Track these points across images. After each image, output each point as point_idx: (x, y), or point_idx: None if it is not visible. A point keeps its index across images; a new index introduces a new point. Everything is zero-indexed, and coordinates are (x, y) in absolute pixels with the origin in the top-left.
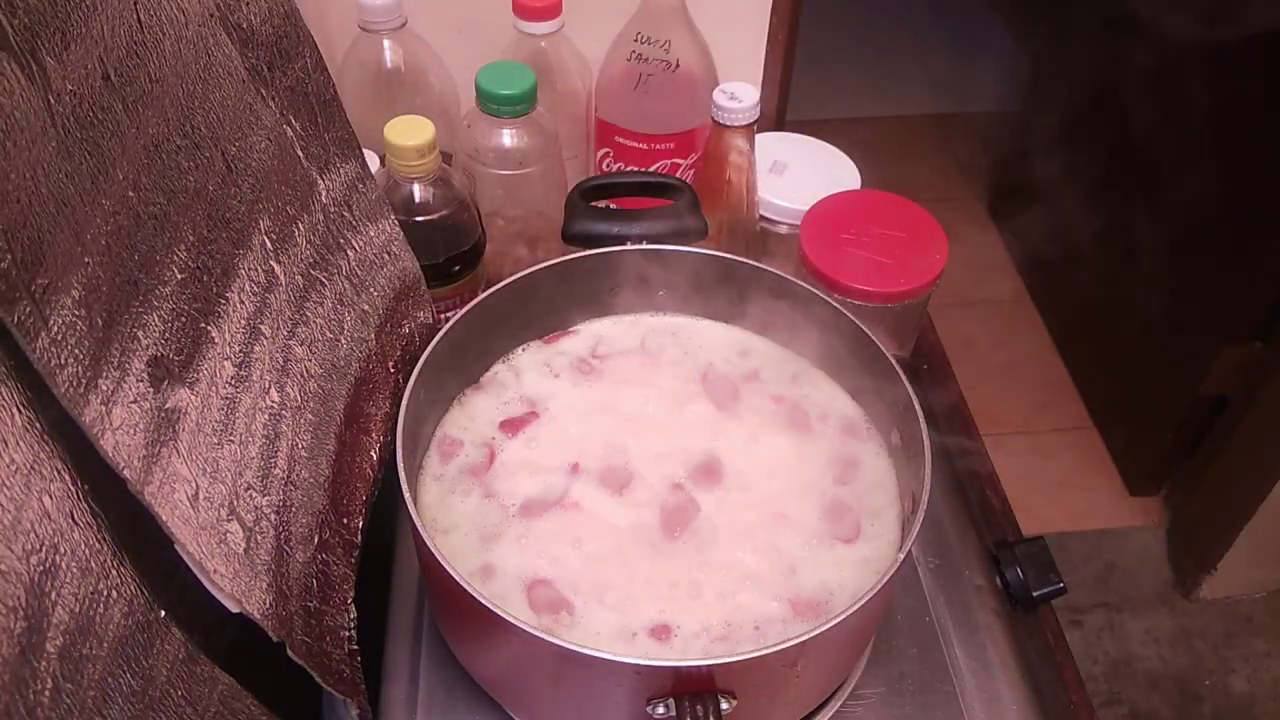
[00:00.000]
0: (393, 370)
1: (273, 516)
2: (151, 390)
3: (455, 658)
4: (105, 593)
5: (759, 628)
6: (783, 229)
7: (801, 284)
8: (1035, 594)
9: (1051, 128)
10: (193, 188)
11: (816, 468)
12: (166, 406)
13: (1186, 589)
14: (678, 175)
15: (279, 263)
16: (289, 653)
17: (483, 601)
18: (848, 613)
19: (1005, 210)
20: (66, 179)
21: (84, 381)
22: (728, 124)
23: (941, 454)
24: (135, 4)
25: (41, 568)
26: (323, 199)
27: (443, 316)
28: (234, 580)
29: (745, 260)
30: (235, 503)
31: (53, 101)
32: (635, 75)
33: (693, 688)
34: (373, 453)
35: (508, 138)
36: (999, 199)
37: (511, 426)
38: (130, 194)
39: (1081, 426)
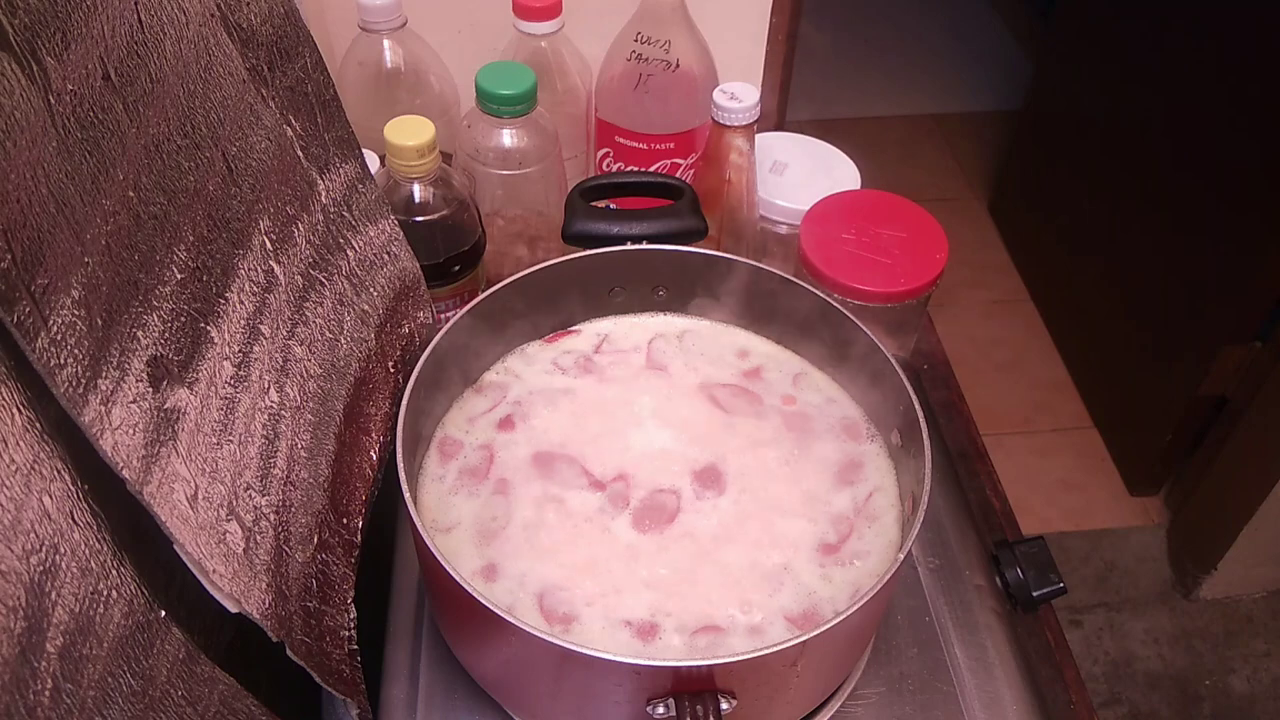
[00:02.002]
0: (392, 370)
1: (272, 516)
2: (151, 390)
3: (455, 658)
4: (105, 593)
5: (760, 627)
6: (783, 229)
7: (801, 284)
8: (1035, 594)
9: (1051, 128)
10: (193, 188)
11: (817, 468)
12: (166, 406)
13: (1186, 589)
14: (678, 175)
15: (278, 263)
16: (288, 653)
17: (483, 602)
18: (848, 613)
19: (1005, 210)
20: (66, 179)
21: (83, 381)
22: (728, 124)
23: (941, 454)
24: (136, 4)
25: (41, 568)
26: (322, 199)
27: (443, 316)
28: (233, 580)
29: (745, 260)
30: (234, 503)
31: (53, 101)
32: (635, 75)
33: (693, 688)
34: (372, 453)
35: (508, 138)
36: (999, 199)
37: (512, 427)
38: (130, 194)
39: (1081, 426)
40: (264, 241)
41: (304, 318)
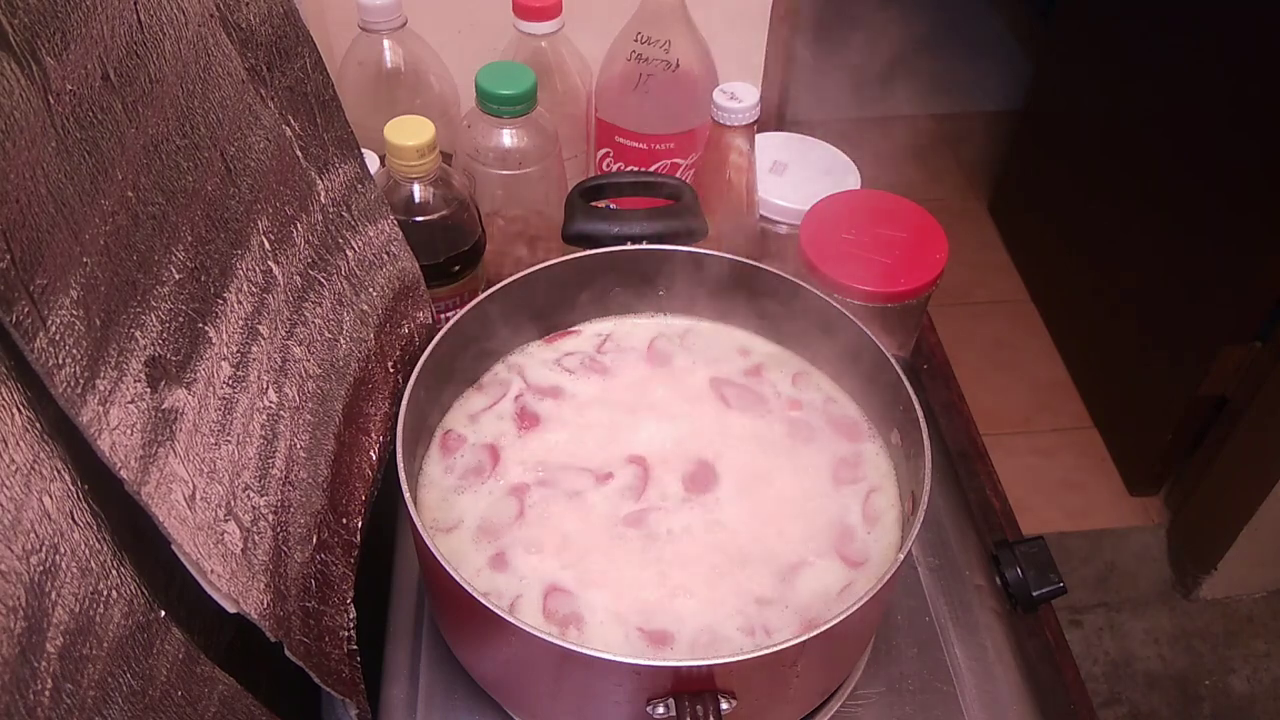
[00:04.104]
0: (392, 370)
1: (270, 517)
2: (149, 390)
3: (455, 658)
4: (105, 593)
5: (761, 627)
6: (783, 229)
7: (801, 284)
8: (1035, 594)
9: (1051, 128)
10: (191, 188)
11: (816, 468)
12: (164, 407)
13: (1186, 589)
14: (678, 175)
15: (277, 263)
16: (286, 653)
17: (483, 602)
18: (847, 613)
19: (1005, 210)
20: (65, 179)
21: (81, 381)
22: (728, 124)
23: (941, 454)
24: (135, 4)
25: (41, 568)
26: (321, 199)
27: (443, 316)
28: (231, 580)
29: (745, 260)
30: (233, 503)
31: (52, 101)
32: (635, 75)
33: (693, 687)
34: (372, 453)
35: (508, 138)
36: (999, 199)
37: (515, 425)
38: (129, 194)
39: (1081, 426)
40: (262, 242)
41: (303, 318)
